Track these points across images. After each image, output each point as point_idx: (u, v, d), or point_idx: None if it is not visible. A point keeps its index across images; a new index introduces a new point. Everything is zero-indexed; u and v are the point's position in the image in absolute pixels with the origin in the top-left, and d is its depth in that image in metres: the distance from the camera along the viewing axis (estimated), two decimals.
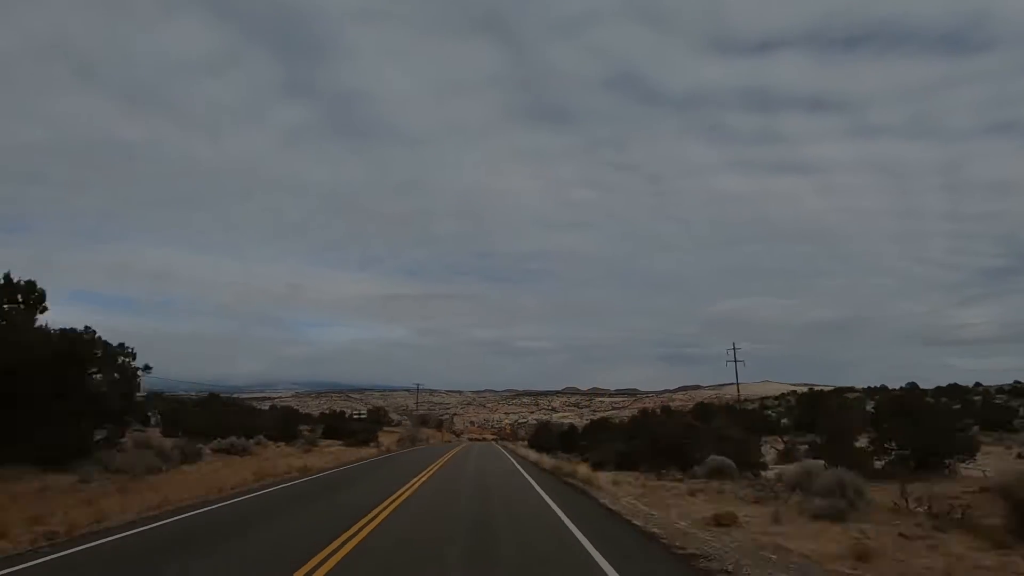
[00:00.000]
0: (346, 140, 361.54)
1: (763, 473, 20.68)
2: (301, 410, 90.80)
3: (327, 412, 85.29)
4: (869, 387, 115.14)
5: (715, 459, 18.28)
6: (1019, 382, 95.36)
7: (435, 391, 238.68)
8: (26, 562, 6.64)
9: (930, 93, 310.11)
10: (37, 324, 16.57)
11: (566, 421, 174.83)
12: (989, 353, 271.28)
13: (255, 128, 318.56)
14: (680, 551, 7.45)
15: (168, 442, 21.88)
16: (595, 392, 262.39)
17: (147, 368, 19.22)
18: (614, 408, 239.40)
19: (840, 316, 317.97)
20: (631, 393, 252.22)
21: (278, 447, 35.83)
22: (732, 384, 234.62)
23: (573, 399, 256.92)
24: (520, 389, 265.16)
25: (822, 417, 27.75)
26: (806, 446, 30.41)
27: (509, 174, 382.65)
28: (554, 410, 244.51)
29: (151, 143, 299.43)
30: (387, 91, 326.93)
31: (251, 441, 30.95)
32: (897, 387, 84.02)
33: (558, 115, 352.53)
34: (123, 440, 19.63)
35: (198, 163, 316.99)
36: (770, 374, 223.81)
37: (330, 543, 7.49)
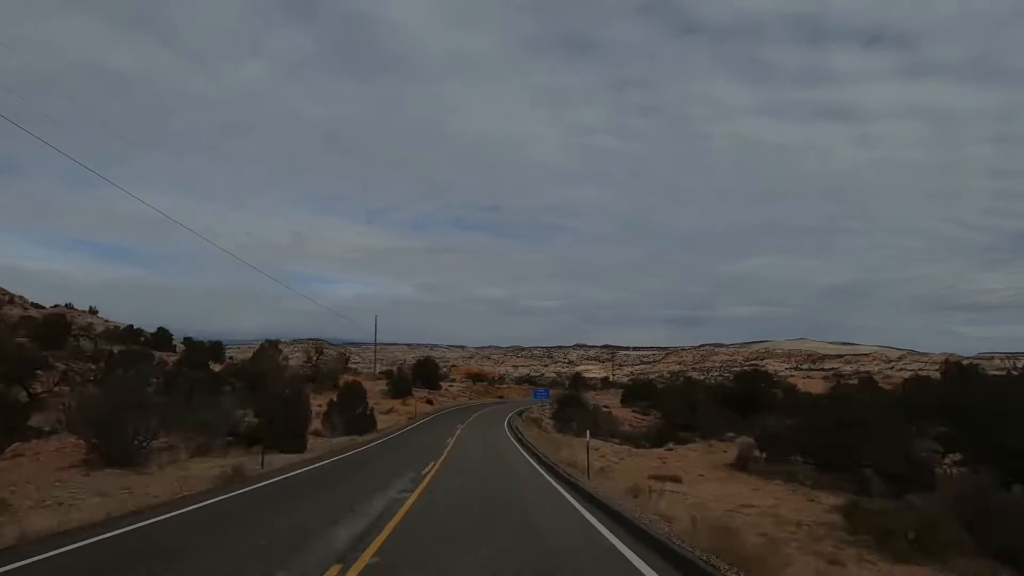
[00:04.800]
0: (351, 72, 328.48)
1: None
2: None
3: None
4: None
5: None
6: None
7: (436, 345, 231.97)
8: None
9: (1000, 26, 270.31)
10: None
11: (593, 376, 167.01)
12: (1003, 320, 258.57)
13: (253, 57, 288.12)
14: None
15: None
16: (610, 348, 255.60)
17: None
18: (643, 363, 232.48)
19: (857, 278, 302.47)
20: (660, 348, 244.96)
21: None
22: (760, 342, 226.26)
23: (592, 352, 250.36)
24: (526, 346, 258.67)
25: None
26: None
27: (526, 119, 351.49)
28: (572, 363, 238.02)
29: (144, 74, 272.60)
30: (396, 15, 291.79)
31: None
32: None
33: (583, 47, 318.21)
34: None
35: (194, 97, 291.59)
36: (778, 335, 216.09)
37: None
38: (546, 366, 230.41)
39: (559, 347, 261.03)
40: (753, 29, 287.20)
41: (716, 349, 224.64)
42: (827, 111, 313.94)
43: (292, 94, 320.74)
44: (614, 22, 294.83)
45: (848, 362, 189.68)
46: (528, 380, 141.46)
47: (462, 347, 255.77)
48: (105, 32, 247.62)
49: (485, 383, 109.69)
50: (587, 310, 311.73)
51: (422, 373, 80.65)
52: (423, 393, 70.00)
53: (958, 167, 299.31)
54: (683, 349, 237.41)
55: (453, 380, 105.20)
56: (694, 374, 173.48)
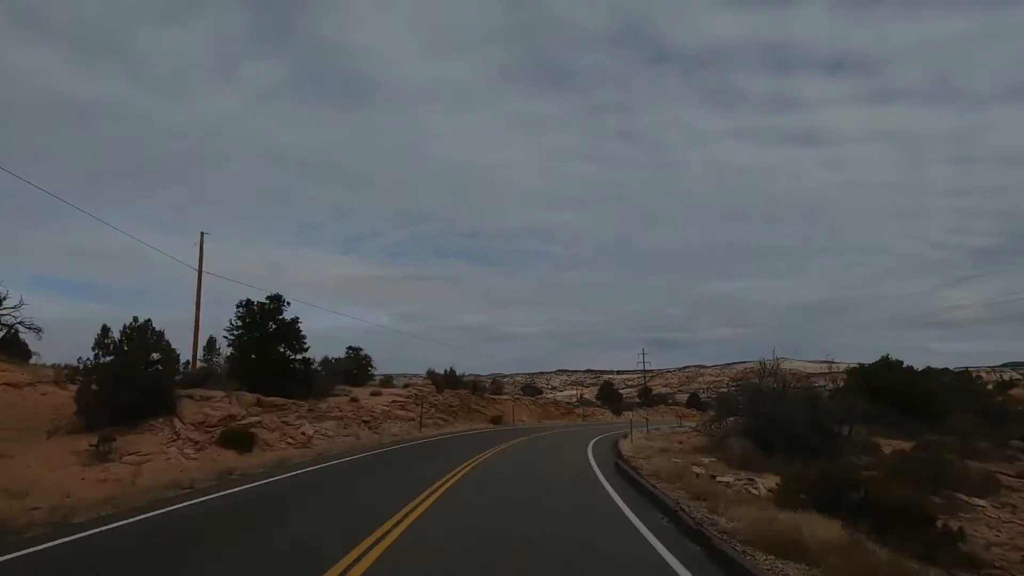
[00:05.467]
0: (325, 99, 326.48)
1: None
2: None
3: None
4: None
5: None
6: None
7: (414, 375, 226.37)
8: None
9: (955, 52, 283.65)
10: None
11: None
12: (972, 336, 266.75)
13: (225, 86, 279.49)
14: None
15: None
16: (593, 372, 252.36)
17: None
18: (628, 386, 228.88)
19: (831, 297, 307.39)
20: (639, 371, 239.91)
21: None
22: (743, 362, 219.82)
23: (575, 376, 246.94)
24: (508, 372, 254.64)
25: None
26: None
27: (502, 144, 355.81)
28: (555, 388, 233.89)
29: (110, 103, 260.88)
30: (371, 42, 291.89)
31: None
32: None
33: (559, 75, 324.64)
34: None
35: (163, 127, 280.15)
36: (756, 354, 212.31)
37: None
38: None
39: (541, 372, 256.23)
40: (723, 58, 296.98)
41: (701, 370, 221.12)
42: (796, 136, 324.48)
43: (265, 122, 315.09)
44: (588, 51, 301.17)
45: (833, 379, 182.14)
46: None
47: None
48: (68, 61, 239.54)
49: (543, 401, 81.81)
50: (568, 335, 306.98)
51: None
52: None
53: (921, 187, 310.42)
54: (668, 371, 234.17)
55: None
56: (680, 396, 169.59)
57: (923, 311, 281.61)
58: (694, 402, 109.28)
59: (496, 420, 48.24)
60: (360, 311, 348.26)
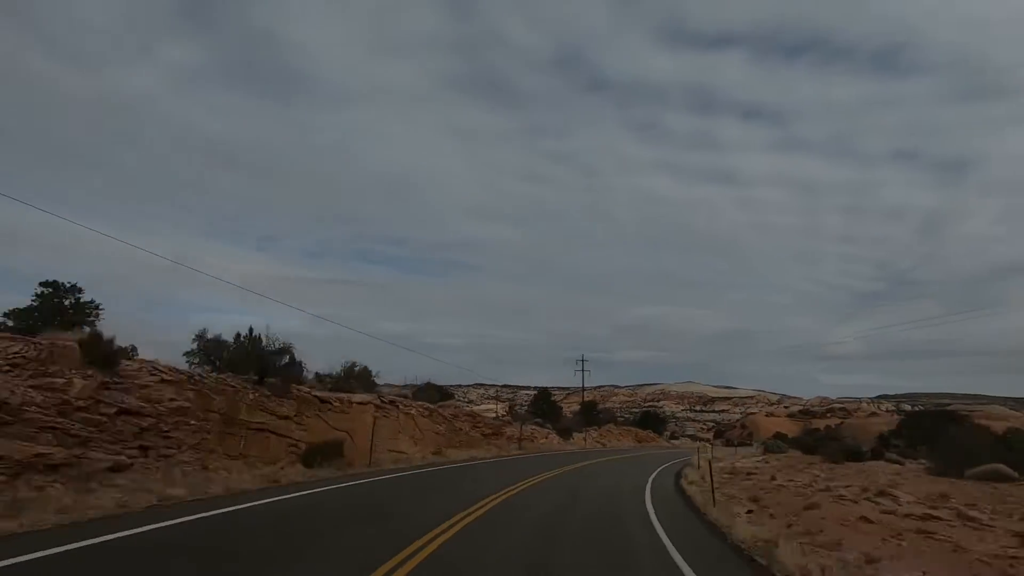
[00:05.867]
0: (254, 91, 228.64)
1: None
2: None
3: None
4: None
5: None
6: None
7: None
8: None
9: (852, 113, 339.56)
10: None
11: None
12: (852, 370, 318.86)
13: (141, 63, 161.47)
14: None
15: None
16: (511, 387, 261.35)
17: None
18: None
19: (737, 328, 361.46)
20: (562, 388, 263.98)
21: None
22: (653, 384, 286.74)
23: (492, 391, 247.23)
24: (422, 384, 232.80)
25: None
26: None
27: (440, 154, 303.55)
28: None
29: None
30: (309, 36, 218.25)
31: None
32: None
33: (500, 92, 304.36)
34: None
35: (71, 103, 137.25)
36: (667, 377, 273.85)
37: None
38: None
39: (458, 385, 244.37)
40: (654, 94, 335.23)
41: (615, 390, 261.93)
42: (714, 174, 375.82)
43: (183, 106, 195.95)
44: (530, 71, 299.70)
45: (735, 404, 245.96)
46: None
47: None
48: None
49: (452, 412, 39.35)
50: (491, 349, 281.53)
51: None
52: None
53: (818, 232, 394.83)
54: (585, 389, 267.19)
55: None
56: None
57: (813, 345, 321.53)
58: (649, 422, 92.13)
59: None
60: (272, 311, 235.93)
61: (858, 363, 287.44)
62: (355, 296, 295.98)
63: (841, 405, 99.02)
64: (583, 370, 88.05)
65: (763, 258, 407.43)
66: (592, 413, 79.04)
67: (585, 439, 60.29)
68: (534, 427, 51.91)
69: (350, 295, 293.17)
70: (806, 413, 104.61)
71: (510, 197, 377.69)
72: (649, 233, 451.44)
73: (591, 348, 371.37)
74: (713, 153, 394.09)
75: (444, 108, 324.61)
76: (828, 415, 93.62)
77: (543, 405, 66.55)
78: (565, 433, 57.27)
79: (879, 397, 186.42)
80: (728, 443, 78.50)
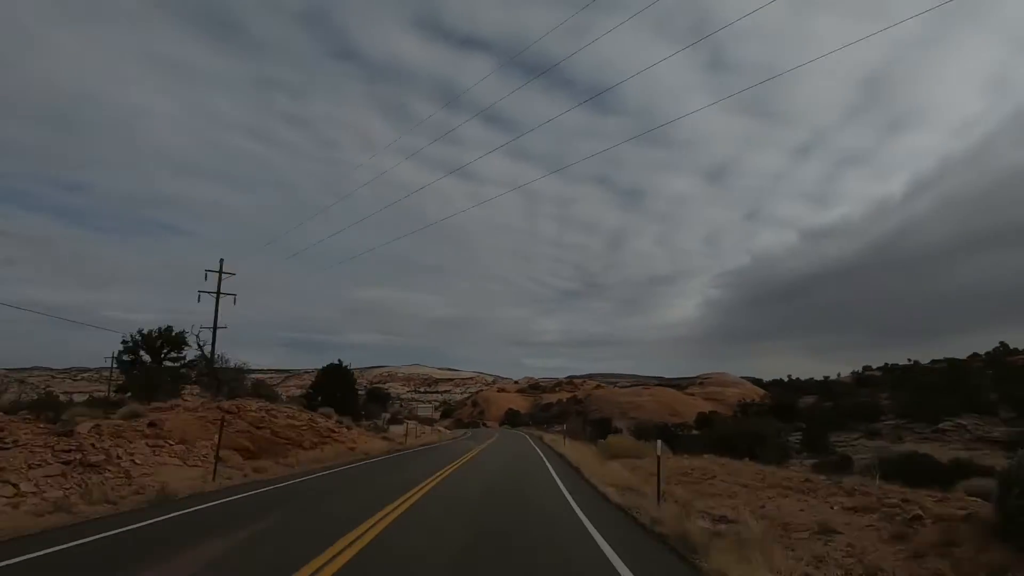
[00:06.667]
0: None
1: None
2: None
3: None
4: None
5: None
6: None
7: None
8: None
9: (567, 136, 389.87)
10: None
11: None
12: (549, 355, 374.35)
13: None
14: None
15: None
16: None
17: None
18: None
19: (460, 314, 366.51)
20: (279, 371, 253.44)
21: None
22: (381, 367, 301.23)
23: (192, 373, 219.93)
24: (92, 367, 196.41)
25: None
26: None
27: (142, 87, 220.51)
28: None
29: None
30: None
31: None
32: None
33: (228, 31, 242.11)
34: None
35: None
36: (396, 360, 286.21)
37: None
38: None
39: None
40: (404, 76, 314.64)
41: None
42: (453, 166, 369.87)
43: None
44: (268, 16, 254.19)
45: (457, 384, 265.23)
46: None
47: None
48: None
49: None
50: (190, 326, 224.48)
51: None
52: None
53: (535, 234, 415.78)
54: (306, 372, 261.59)
55: None
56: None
57: (523, 333, 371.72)
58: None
59: None
60: None
61: (555, 349, 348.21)
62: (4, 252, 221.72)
63: (568, 380, 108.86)
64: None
65: (487, 252, 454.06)
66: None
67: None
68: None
69: None
70: (536, 388, 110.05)
71: (233, 156, 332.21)
72: (385, 216, 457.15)
73: (319, 330, 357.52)
74: (455, 147, 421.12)
75: (152, 31, 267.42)
76: (557, 389, 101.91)
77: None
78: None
79: (568, 378, 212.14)
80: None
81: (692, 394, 52.81)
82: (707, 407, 55.48)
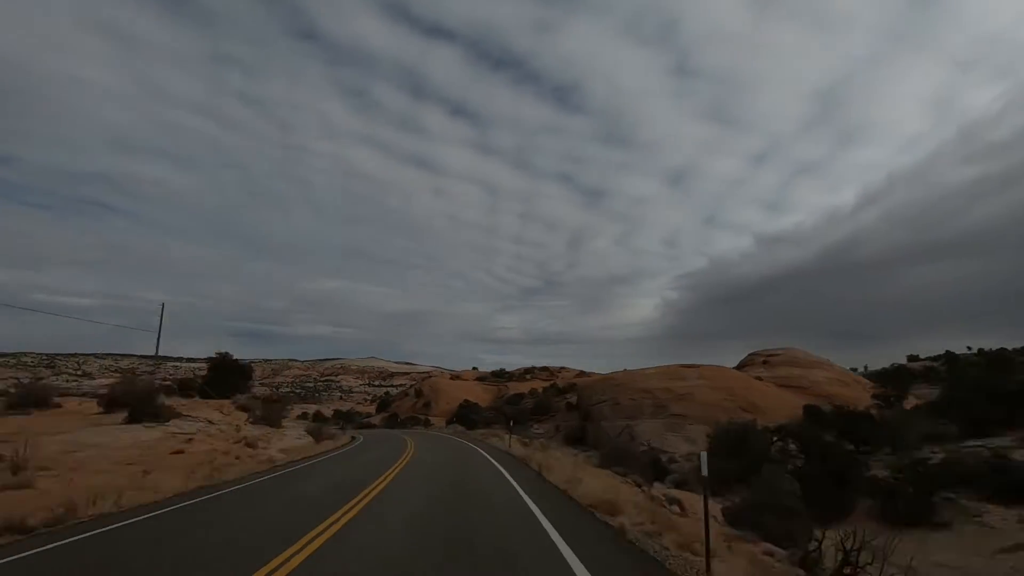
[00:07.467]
0: None
1: None
2: None
3: None
4: None
5: None
6: None
7: None
8: None
9: (534, 132, 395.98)
10: None
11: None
12: (508, 352, 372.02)
13: None
14: None
15: None
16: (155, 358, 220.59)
17: None
18: (196, 376, 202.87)
19: (418, 308, 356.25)
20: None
21: None
22: (334, 359, 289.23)
23: (124, 363, 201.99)
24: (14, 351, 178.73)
25: None
26: None
27: (81, 55, 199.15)
28: (88, 374, 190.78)
29: None
30: None
31: None
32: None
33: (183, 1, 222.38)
34: None
35: None
36: (350, 353, 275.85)
37: None
38: (42, 379, 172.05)
39: (74, 355, 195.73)
40: (367, 61, 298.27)
41: (290, 363, 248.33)
42: (416, 159, 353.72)
43: None
44: None
45: (414, 378, 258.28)
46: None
47: None
48: None
49: None
50: (138, 314, 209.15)
51: None
52: None
53: (496, 230, 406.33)
54: (251, 362, 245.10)
55: None
56: (261, 390, 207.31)
57: (482, 329, 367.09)
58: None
59: None
60: None
61: (513, 346, 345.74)
62: None
63: (542, 368, 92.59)
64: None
65: (448, 246, 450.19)
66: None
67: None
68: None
69: None
70: (500, 376, 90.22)
71: (180, 133, 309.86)
72: (343, 205, 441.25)
73: (267, 320, 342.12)
74: (418, 138, 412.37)
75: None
76: (528, 377, 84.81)
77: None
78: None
79: (543, 367, 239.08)
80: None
81: (759, 378, 36.29)
82: (797, 399, 35.65)
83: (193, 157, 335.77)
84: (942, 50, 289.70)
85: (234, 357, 35.68)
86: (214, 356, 35.93)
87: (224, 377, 35.73)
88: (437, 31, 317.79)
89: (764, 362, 41.94)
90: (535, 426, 39.98)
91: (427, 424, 54.18)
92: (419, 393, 74.69)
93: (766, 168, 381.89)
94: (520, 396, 57.36)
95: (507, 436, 28.57)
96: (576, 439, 32.26)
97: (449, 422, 52.64)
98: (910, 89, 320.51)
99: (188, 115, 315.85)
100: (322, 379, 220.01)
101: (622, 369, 41.18)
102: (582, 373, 77.72)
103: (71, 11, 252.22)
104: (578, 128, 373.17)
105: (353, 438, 32.48)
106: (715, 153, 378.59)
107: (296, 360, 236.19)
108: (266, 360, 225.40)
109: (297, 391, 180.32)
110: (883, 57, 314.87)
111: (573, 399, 42.73)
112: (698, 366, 36.38)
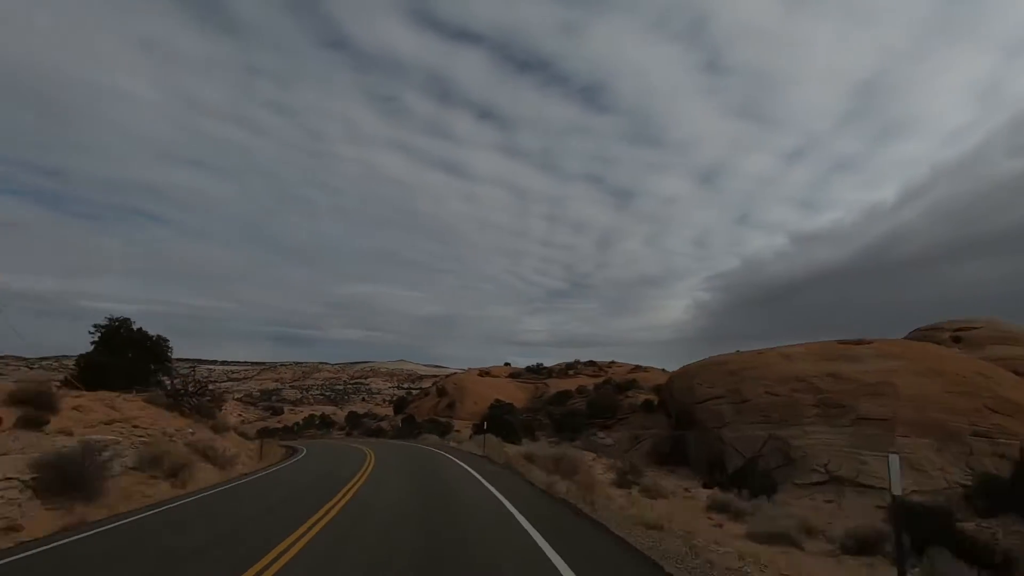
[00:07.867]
0: None
1: None
2: None
3: None
4: None
5: None
6: None
7: None
8: None
9: (559, 133, 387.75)
10: None
11: None
12: (538, 355, 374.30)
13: None
14: None
15: None
16: (192, 361, 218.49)
17: None
18: (231, 379, 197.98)
19: (447, 312, 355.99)
20: (254, 364, 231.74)
21: None
22: (364, 362, 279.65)
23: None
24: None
25: None
26: None
27: (124, 70, 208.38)
28: None
29: None
30: None
31: None
32: None
33: (213, 12, 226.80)
34: None
35: None
36: (381, 356, 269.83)
37: None
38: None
39: None
40: (395, 67, 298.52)
41: (320, 366, 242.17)
42: (445, 164, 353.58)
43: None
44: (263, 7, 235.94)
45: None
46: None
47: None
48: None
49: None
50: (178, 319, 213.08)
51: None
52: None
53: (525, 233, 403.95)
54: (282, 365, 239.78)
55: None
56: (291, 392, 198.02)
57: (510, 332, 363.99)
58: None
59: None
60: None
61: (541, 348, 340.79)
62: None
63: (588, 363, 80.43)
64: None
65: (476, 250, 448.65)
66: None
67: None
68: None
69: None
70: (537, 372, 75.68)
71: (215, 143, 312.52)
72: (372, 210, 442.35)
73: (302, 324, 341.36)
74: (446, 143, 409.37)
75: (134, 14, 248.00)
76: (571, 373, 71.36)
77: None
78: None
79: (589, 361, 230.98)
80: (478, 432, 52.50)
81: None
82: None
83: (225, 166, 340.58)
84: (987, 36, 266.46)
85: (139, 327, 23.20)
86: (104, 323, 22.91)
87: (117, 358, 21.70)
88: (463, 35, 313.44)
89: (955, 338, 28.98)
90: (599, 434, 28.33)
91: (446, 431, 41.57)
92: (442, 392, 62.29)
93: (801, 165, 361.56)
94: (566, 395, 45.49)
95: (544, 459, 15.53)
96: (665, 454, 20.70)
97: (478, 427, 40.20)
98: (953, 79, 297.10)
99: (221, 124, 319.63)
100: (352, 382, 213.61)
101: (734, 351, 28.55)
102: (637, 367, 64.91)
103: (122, 28, 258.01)
104: (606, 128, 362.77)
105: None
106: (747, 151, 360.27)
107: (327, 363, 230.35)
108: (296, 363, 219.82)
109: (326, 393, 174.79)
110: (923, 47, 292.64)
111: (643, 397, 31.19)
112: (870, 340, 23.82)
